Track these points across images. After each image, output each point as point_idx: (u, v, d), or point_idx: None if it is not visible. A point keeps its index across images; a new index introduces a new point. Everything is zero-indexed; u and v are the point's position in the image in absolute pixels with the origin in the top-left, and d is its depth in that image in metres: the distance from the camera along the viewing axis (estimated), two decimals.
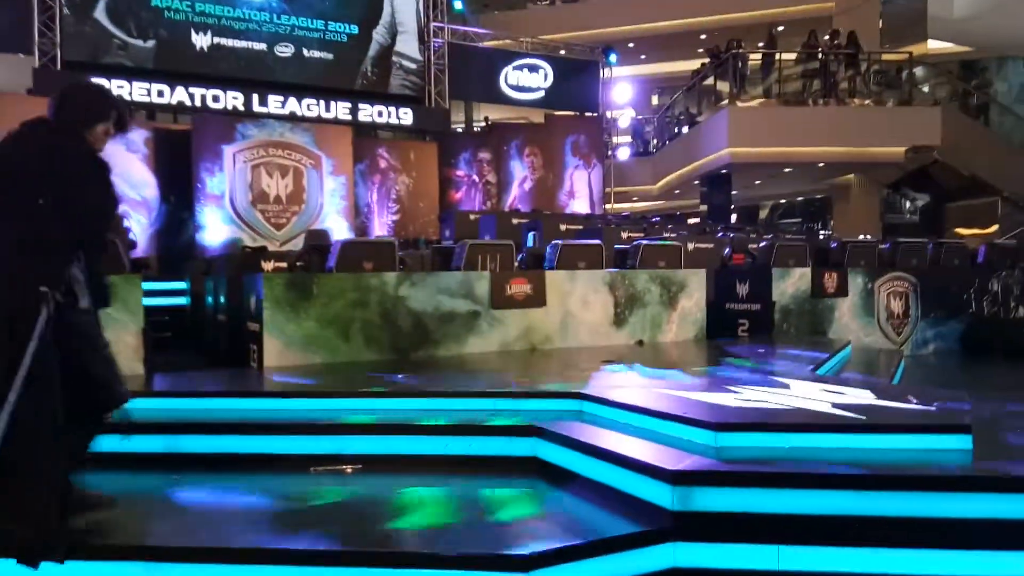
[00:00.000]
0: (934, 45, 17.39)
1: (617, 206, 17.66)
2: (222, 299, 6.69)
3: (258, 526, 2.85)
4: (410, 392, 4.26)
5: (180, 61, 12.51)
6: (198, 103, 12.58)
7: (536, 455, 3.54)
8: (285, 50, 13.38)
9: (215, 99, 12.69)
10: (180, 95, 12.48)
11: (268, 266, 7.10)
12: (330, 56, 13.74)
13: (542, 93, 16.31)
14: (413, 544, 2.65)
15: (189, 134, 11.88)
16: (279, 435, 3.75)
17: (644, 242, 7.47)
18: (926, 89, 14.93)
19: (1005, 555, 2.58)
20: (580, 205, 15.43)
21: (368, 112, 13.99)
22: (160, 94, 12.37)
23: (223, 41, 12.85)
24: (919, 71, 15.16)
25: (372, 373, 4.96)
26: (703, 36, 18.95)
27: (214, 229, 11.75)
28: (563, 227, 10.17)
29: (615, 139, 18.26)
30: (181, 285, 9.13)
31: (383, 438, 3.71)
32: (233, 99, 12.83)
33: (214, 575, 2.54)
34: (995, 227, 14.77)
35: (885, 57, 15.15)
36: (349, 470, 3.55)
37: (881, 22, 16.80)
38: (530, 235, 9.81)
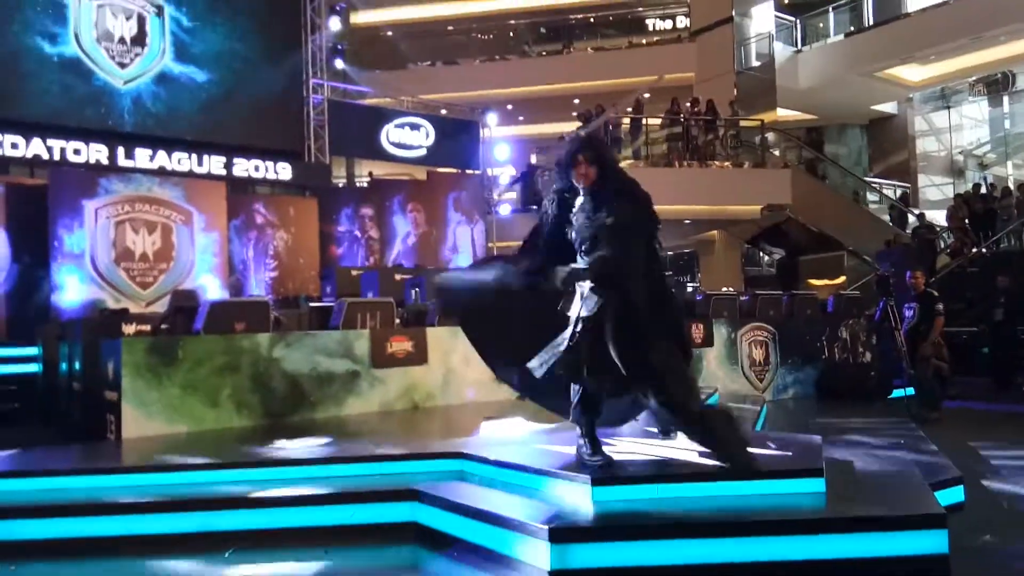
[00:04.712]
0: (783, 113, 19.07)
1: None
2: (77, 366, 6.25)
3: None
4: (280, 461, 4.08)
5: (24, 109, 11.67)
6: (57, 156, 11.82)
7: (415, 520, 3.48)
8: (156, 101, 12.88)
9: (76, 152, 11.97)
10: (36, 147, 11.68)
11: (130, 329, 6.68)
12: (206, 109, 13.34)
13: (423, 151, 16.49)
14: None
15: (46, 189, 11.12)
16: (130, 515, 3.48)
17: None
18: (777, 153, 16.27)
19: None
20: (464, 260, 15.54)
21: (244, 167, 13.60)
22: (14, 146, 11.53)
23: (81, 90, 12.20)
24: (771, 136, 16.52)
25: (240, 442, 4.73)
26: (576, 100, 19.88)
27: (72, 290, 10.95)
28: None
29: (497, 195, 18.64)
30: (32, 351, 8.55)
31: (247, 512, 3.52)
32: (96, 152, 12.14)
33: None
34: (842, 278, 16.11)
35: (741, 123, 16.43)
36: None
37: (736, 91, 18.24)
38: (413, 291, 9.75)
